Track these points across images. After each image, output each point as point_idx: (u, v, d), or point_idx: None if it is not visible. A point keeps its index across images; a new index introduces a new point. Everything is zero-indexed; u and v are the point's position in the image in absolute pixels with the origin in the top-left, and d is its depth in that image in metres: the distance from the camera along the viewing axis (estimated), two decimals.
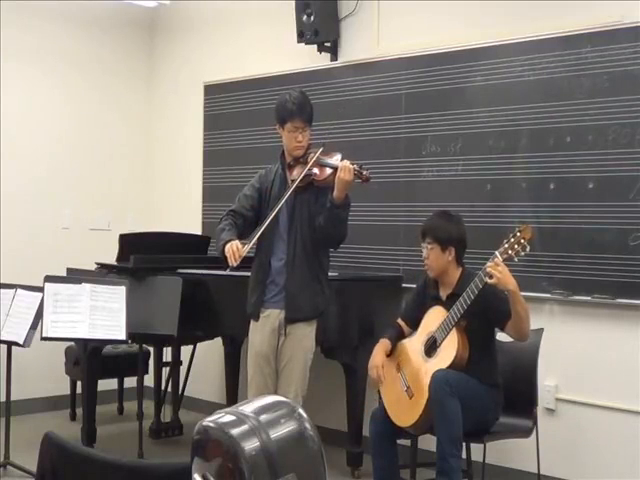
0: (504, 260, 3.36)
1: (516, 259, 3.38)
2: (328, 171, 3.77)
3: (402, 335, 3.83)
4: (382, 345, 3.78)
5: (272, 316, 3.85)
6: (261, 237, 3.82)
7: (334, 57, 5.26)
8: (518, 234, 3.37)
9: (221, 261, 4.26)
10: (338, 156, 3.81)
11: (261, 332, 3.87)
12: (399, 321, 3.89)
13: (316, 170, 3.81)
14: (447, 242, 3.65)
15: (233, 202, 4.02)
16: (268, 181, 3.96)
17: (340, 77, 5.14)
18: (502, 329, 3.56)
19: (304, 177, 3.79)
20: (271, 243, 3.85)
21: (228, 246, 3.72)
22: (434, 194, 4.63)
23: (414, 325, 3.79)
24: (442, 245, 3.64)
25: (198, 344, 5.48)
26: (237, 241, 3.74)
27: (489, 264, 3.36)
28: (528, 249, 3.37)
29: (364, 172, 3.68)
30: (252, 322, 3.93)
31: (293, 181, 3.81)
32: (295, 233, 3.82)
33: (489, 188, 4.45)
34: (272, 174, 3.98)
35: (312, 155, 3.83)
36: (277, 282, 3.85)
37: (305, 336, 3.84)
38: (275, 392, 3.82)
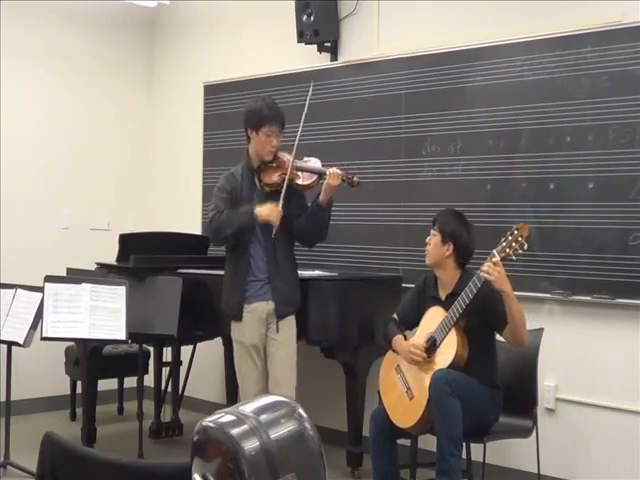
0: (502, 259, 3.36)
1: (514, 258, 3.38)
2: (314, 177, 3.94)
3: (402, 331, 3.83)
4: (398, 339, 3.75)
5: (258, 309, 3.96)
6: (240, 237, 3.93)
7: (334, 57, 5.26)
8: (515, 232, 3.37)
9: (221, 261, 4.27)
10: (315, 160, 3.99)
11: (249, 326, 3.97)
12: (395, 317, 3.89)
13: (300, 175, 3.95)
14: (448, 236, 3.67)
15: None
16: (237, 183, 4.04)
17: (340, 77, 5.14)
18: (500, 333, 3.57)
19: (287, 181, 3.90)
20: (248, 244, 3.95)
21: (261, 210, 3.83)
22: (434, 194, 4.63)
23: (407, 323, 3.81)
24: (443, 237, 3.68)
25: (198, 344, 5.48)
26: (267, 203, 3.87)
27: (487, 263, 3.36)
28: (526, 247, 3.37)
29: (354, 178, 3.88)
30: (233, 323, 4.02)
31: (268, 185, 3.94)
32: (271, 233, 3.90)
33: (489, 188, 4.44)
34: (239, 177, 4.05)
35: (286, 159, 3.95)
36: (260, 278, 3.97)
37: (288, 326, 3.99)
38: (267, 382, 3.97)
